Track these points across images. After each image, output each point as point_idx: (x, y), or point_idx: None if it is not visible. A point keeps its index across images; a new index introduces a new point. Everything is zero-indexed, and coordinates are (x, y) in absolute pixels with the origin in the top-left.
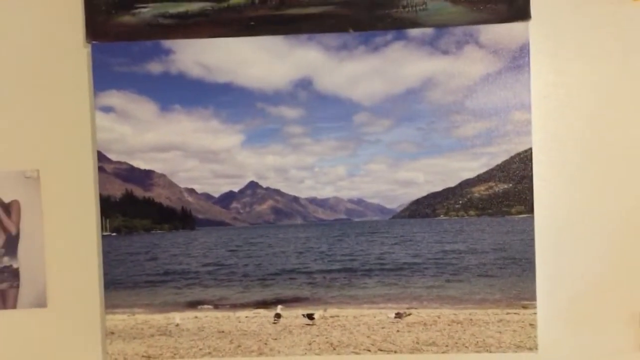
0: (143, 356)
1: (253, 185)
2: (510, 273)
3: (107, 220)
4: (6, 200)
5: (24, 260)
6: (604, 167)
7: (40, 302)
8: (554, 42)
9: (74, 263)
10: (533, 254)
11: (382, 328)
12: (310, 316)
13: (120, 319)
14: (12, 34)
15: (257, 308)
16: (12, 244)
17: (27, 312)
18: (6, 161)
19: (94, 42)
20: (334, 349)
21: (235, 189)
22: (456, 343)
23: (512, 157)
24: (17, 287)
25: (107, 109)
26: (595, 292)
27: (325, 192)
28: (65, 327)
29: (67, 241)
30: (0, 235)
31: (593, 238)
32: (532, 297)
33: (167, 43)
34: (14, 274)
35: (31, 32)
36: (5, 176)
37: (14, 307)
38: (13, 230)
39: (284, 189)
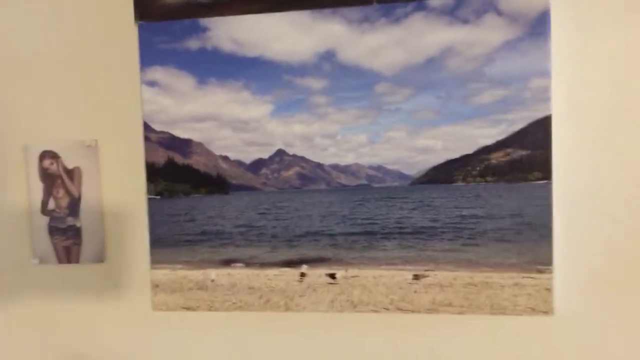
0: (183, 307)
1: (281, 152)
2: (526, 238)
3: (152, 185)
4: (69, 166)
5: (85, 220)
6: (624, 135)
7: (99, 258)
8: (575, 7)
9: (126, 223)
10: (550, 219)
11: (400, 288)
12: (332, 276)
13: (163, 274)
14: (71, 18)
15: (284, 267)
16: (74, 206)
17: (88, 267)
18: (68, 132)
19: (141, 22)
20: (355, 306)
21: (265, 156)
22: (471, 305)
23: (530, 124)
24: (80, 244)
25: (152, 83)
26: (612, 258)
27: (347, 159)
28: (119, 280)
29: (120, 203)
30: (65, 198)
31: (611, 205)
32: (549, 262)
33: (204, 21)
34: (77, 232)
35: (87, 15)
36: (68, 145)
37: (77, 261)
38: (76, 193)
39: (309, 156)
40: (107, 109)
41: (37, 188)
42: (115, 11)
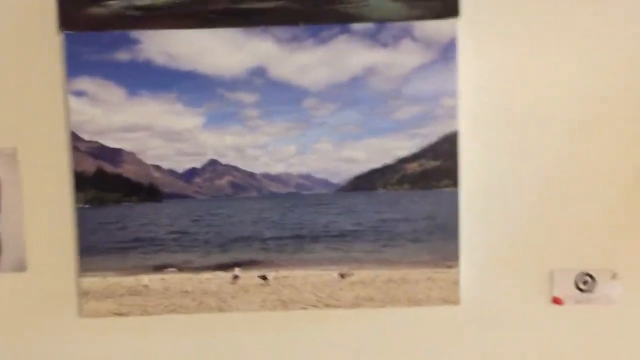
0: (115, 313)
1: (213, 162)
2: (437, 238)
3: (81, 194)
4: None
5: (5, 230)
6: (517, 146)
7: (21, 267)
8: (479, 35)
9: (50, 232)
10: (457, 221)
11: (327, 287)
12: (264, 277)
13: (92, 281)
14: None
15: (217, 270)
16: None
17: (8, 276)
18: None
19: (66, 31)
20: (285, 305)
21: (198, 166)
22: (391, 299)
23: (441, 138)
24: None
25: (79, 93)
26: (511, 254)
27: (277, 168)
28: (43, 289)
29: (44, 213)
30: None
31: (510, 207)
32: (456, 258)
33: (134, 33)
34: None
35: (8, 21)
36: None
37: None
38: None
39: (241, 166)
40: (28, 116)
41: None
42: (37, 18)
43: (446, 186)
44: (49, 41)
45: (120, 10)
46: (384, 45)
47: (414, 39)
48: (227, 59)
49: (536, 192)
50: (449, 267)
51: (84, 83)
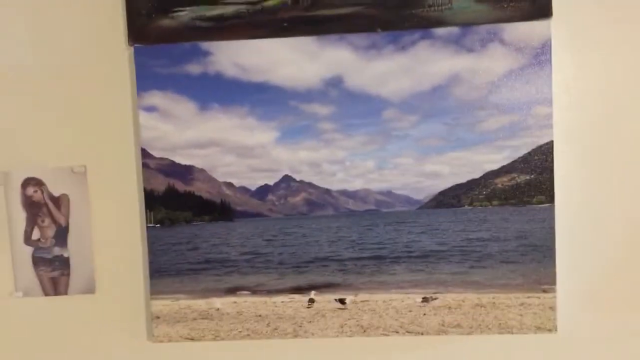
0: (186, 338)
1: (287, 178)
2: (531, 259)
3: (151, 213)
4: (56, 194)
5: (73, 250)
6: (623, 158)
7: (90, 289)
8: (574, 38)
9: (120, 252)
10: (553, 241)
11: (410, 311)
12: (342, 301)
13: (164, 304)
14: (60, 39)
15: (292, 293)
16: (62, 235)
17: (77, 298)
18: (54, 157)
19: (135, 44)
20: (365, 331)
21: (271, 183)
22: (480, 325)
23: (533, 150)
24: (68, 275)
25: (150, 109)
26: (612, 277)
27: (355, 185)
28: (112, 312)
29: (113, 232)
30: (50, 227)
31: (611, 226)
32: (552, 281)
33: (205, 45)
34: (65, 262)
35: (77, 36)
36: (55, 172)
37: (65, 293)
38: (63, 222)
39: (316, 182)
40: (97, 133)
41: (20, 217)
42: (106, 32)
43: (540, 202)
44: (118, 55)
45: (190, 22)
46: (470, 50)
47: (502, 42)
48: (301, 69)
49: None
50: (544, 291)
51: (154, 98)
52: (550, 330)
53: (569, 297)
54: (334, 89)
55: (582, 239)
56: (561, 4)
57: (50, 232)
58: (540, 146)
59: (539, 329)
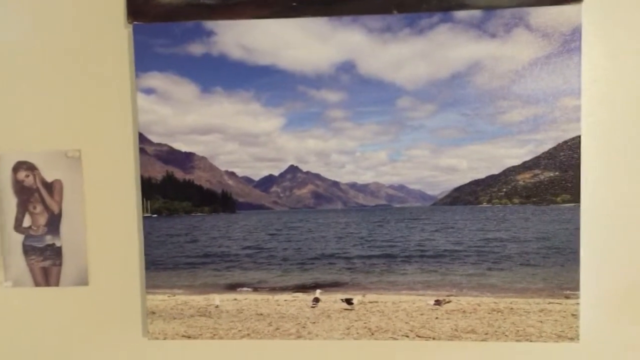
0: (183, 336)
1: (293, 169)
2: (553, 262)
3: (148, 202)
4: (49, 179)
5: (66, 238)
6: None
7: (82, 281)
8: (606, 25)
9: (115, 243)
10: (578, 243)
11: (421, 314)
12: (349, 301)
13: (160, 299)
14: (54, 16)
15: (296, 292)
16: (54, 223)
17: (69, 290)
18: (48, 141)
19: (135, 22)
20: (372, 334)
21: (276, 173)
22: (496, 331)
23: (559, 145)
24: (60, 265)
25: (149, 91)
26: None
27: (366, 178)
28: (106, 306)
29: (108, 221)
30: (43, 214)
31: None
32: (575, 287)
33: (209, 24)
34: (57, 252)
35: (72, 12)
36: (48, 156)
37: (57, 284)
38: (56, 209)
39: (324, 174)
40: (93, 116)
41: (10, 203)
42: (104, 9)
43: (564, 202)
44: (116, 33)
45: None
46: (493, 35)
47: (528, 27)
48: (310, 52)
49: None
50: (567, 297)
51: (154, 79)
52: (572, 339)
53: (593, 304)
54: (345, 74)
55: (609, 242)
56: None
57: (42, 219)
58: (567, 141)
59: (559, 337)
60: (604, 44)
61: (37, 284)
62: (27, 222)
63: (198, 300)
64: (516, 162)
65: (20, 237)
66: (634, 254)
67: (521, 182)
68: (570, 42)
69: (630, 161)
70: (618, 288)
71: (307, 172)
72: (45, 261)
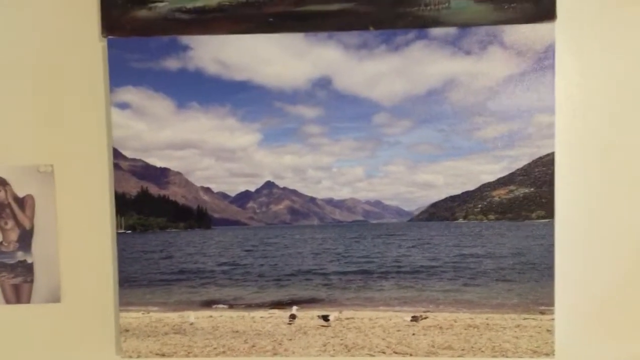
0: (157, 354)
1: (270, 185)
2: (528, 278)
3: (122, 218)
4: (20, 194)
5: (38, 255)
6: (629, 172)
7: (54, 298)
8: (579, 42)
9: (88, 259)
10: (552, 259)
11: (398, 331)
12: (325, 318)
13: (134, 317)
14: (27, 29)
15: (272, 308)
16: (26, 239)
17: (41, 307)
18: (20, 156)
19: (109, 36)
20: (349, 350)
21: (252, 189)
22: (472, 347)
23: (534, 161)
24: (31, 281)
25: (123, 105)
26: (615, 299)
27: (342, 193)
28: (78, 323)
29: (81, 237)
30: (14, 230)
31: (615, 245)
32: (550, 302)
33: (184, 39)
34: (28, 268)
35: (46, 26)
36: (20, 171)
37: (28, 301)
38: (27, 225)
39: (301, 190)
40: (66, 130)
41: None
42: (78, 23)
43: (539, 217)
44: (90, 47)
45: (169, 13)
46: (468, 52)
47: (502, 45)
48: (286, 68)
49: None
50: (542, 312)
51: (128, 94)
52: (547, 355)
53: (568, 319)
54: (321, 90)
55: (584, 257)
56: (566, 6)
57: (14, 235)
58: (541, 157)
59: (535, 352)
60: (577, 61)
61: (7, 301)
62: None
63: (173, 317)
64: (491, 178)
65: None
66: (608, 269)
67: (496, 198)
68: (544, 60)
69: (604, 177)
70: (593, 303)
71: (284, 188)
72: (17, 278)
